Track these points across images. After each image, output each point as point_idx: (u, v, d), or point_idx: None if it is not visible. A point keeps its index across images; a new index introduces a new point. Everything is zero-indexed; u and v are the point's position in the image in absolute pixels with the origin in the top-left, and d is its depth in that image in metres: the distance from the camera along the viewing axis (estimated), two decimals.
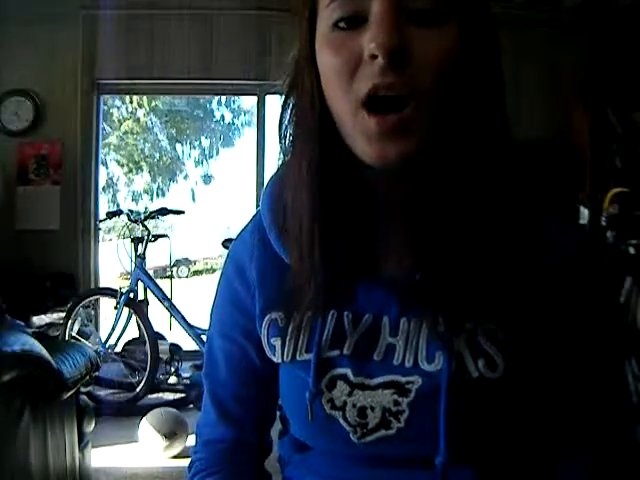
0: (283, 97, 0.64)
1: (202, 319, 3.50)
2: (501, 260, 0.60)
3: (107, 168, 10.99)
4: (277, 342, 0.67)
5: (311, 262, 0.61)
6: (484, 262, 0.59)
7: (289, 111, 0.64)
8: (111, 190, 11.18)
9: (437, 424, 0.59)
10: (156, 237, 3.71)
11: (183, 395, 3.48)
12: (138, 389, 3.36)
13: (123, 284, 3.68)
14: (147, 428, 2.72)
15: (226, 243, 3.34)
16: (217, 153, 11.59)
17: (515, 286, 0.60)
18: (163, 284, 3.64)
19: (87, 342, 3.44)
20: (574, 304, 0.62)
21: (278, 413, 0.78)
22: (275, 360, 0.68)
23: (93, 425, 2.27)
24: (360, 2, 0.54)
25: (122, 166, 11.22)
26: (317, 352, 0.64)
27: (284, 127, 0.64)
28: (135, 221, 3.65)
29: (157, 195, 11.29)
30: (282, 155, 0.66)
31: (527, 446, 0.65)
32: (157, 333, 3.60)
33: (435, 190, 0.58)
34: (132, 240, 3.64)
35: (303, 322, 0.65)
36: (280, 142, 0.65)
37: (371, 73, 0.53)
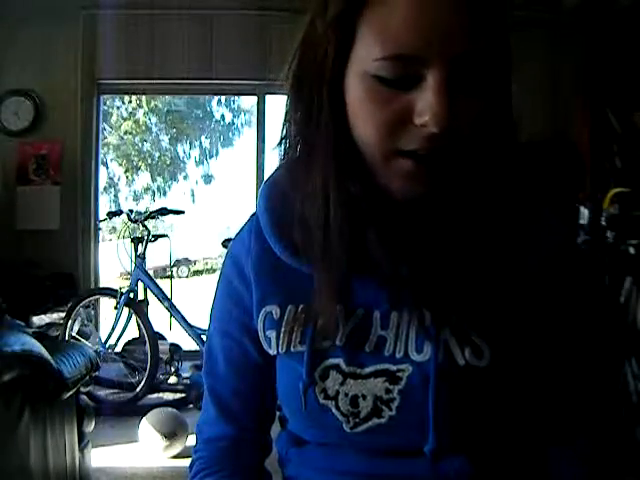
0: (287, 104, 0.65)
1: (202, 319, 3.50)
2: (486, 258, 0.62)
3: (107, 168, 11.01)
4: (272, 334, 0.68)
5: (335, 266, 0.63)
6: (470, 259, 0.61)
7: (296, 119, 0.64)
8: (113, 190, 11.20)
9: (426, 412, 0.61)
10: (156, 237, 3.71)
11: (183, 395, 3.48)
12: (138, 389, 3.36)
13: (123, 284, 3.68)
14: (147, 428, 2.72)
15: (226, 243, 3.34)
16: (217, 153, 11.61)
17: (499, 282, 0.62)
18: (163, 284, 3.64)
19: (87, 342, 3.44)
20: (558, 299, 0.64)
21: (278, 414, 0.78)
22: (271, 352, 0.70)
23: (93, 425, 2.28)
24: (415, 67, 0.54)
25: (121, 166, 11.23)
26: (310, 343, 0.65)
27: (290, 133, 0.65)
28: (135, 221, 3.66)
29: (158, 195, 11.31)
30: (283, 158, 0.67)
31: (519, 436, 0.66)
32: (157, 333, 3.60)
33: (445, 199, 0.61)
34: (132, 240, 3.64)
35: (297, 315, 0.67)
36: (284, 146, 0.66)
37: (418, 137, 0.55)
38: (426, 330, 0.62)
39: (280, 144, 0.67)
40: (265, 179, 0.74)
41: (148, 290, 3.62)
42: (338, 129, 0.60)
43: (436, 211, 0.61)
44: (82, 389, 2.16)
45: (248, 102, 11.02)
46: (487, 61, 0.55)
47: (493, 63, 0.56)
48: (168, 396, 3.52)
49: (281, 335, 0.67)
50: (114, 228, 8.18)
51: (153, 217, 3.72)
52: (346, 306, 0.65)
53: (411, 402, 0.62)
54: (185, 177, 11.60)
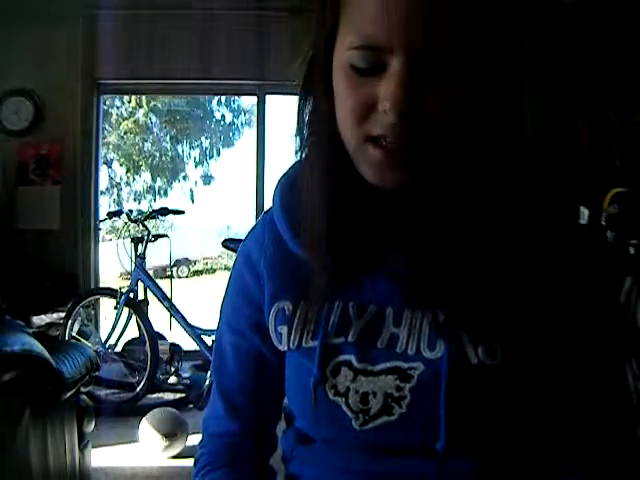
0: (299, 98, 0.66)
1: (202, 319, 3.50)
2: (500, 257, 0.62)
3: (110, 168, 11.03)
4: (284, 330, 0.69)
5: (321, 254, 0.64)
6: (482, 258, 0.61)
7: (304, 115, 0.66)
8: (115, 190, 11.22)
9: (438, 410, 0.61)
10: (156, 237, 3.71)
11: (183, 395, 3.48)
12: (138, 389, 3.36)
13: (123, 284, 3.69)
14: (147, 428, 2.72)
15: (226, 243, 3.34)
16: (217, 153, 11.61)
17: (513, 281, 0.62)
18: (163, 284, 3.64)
19: (87, 342, 3.44)
20: (573, 302, 0.64)
21: (283, 413, 0.78)
22: (281, 348, 0.70)
23: (93, 425, 2.27)
24: (381, 56, 0.55)
25: (122, 165, 11.25)
26: (322, 339, 0.66)
27: (300, 129, 0.67)
28: (135, 221, 3.66)
29: (159, 195, 11.31)
30: (297, 154, 0.68)
31: (527, 440, 0.65)
32: (157, 333, 3.60)
33: (438, 193, 0.61)
34: (132, 240, 3.64)
35: (309, 311, 0.67)
36: (296, 143, 0.67)
37: (382, 124, 0.57)
38: (439, 328, 0.62)
39: (295, 140, 0.68)
40: (282, 174, 0.75)
41: (148, 290, 3.62)
42: (332, 121, 0.61)
43: (434, 207, 0.61)
44: (82, 389, 2.16)
45: (248, 102, 11.04)
46: (461, 55, 0.55)
47: (472, 57, 0.56)
48: (168, 396, 3.53)
49: (293, 331, 0.68)
50: (115, 228, 8.18)
51: (153, 217, 3.73)
52: (358, 303, 0.66)
53: (422, 400, 0.62)
54: (185, 177, 11.62)
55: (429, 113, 0.56)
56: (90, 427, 2.25)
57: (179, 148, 11.64)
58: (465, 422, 0.62)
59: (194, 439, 2.67)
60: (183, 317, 3.45)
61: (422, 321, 0.63)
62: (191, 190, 11.46)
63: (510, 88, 0.62)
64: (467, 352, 0.61)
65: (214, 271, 12.31)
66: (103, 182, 10.55)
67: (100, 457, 2.54)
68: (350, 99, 0.58)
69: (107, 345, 3.54)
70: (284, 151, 0.71)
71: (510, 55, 0.61)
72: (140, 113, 11.00)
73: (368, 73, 0.57)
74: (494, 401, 0.62)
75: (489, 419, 0.63)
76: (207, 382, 3.30)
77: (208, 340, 3.32)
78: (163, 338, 3.78)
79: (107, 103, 9.87)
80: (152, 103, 10.84)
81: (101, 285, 4.32)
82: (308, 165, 0.66)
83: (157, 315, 3.71)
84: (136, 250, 3.61)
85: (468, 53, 0.55)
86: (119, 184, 11.34)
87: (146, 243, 3.61)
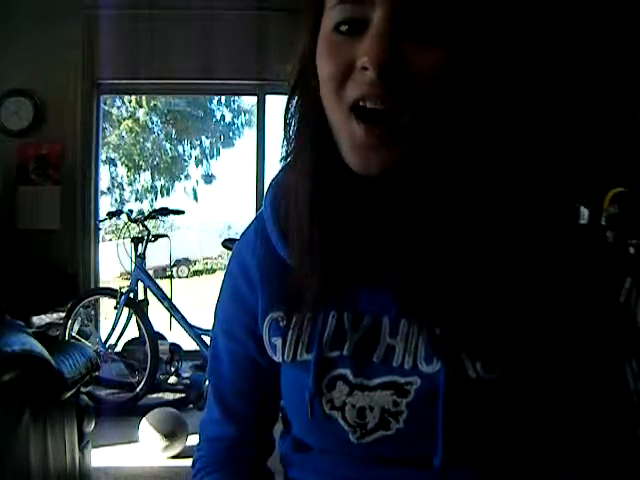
0: (287, 97, 0.64)
1: (202, 319, 3.50)
2: (497, 265, 0.59)
3: (115, 167, 11.03)
4: (278, 342, 0.67)
5: (310, 263, 0.62)
6: (479, 267, 0.59)
7: (293, 112, 0.64)
8: (117, 190, 11.23)
9: (435, 425, 0.59)
10: (156, 237, 3.71)
11: (183, 395, 3.48)
12: (138, 389, 3.36)
13: (123, 284, 3.69)
14: (147, 428, 2.72)
15: (226, 243, 3.34)
16: (217, 153, 11.62)
17: (512, 290, 0.60)
18: (163, 284, 3.64)
19: (87, 342, 3.44)
20: (573, 302, 0.62)
21: (280, 414, 0.78)
22: (276, 359, 0.68)
23: (93, 425, 2.27)
24: (363, 9, 0.53)
25: (123, 165, 11.26)
26: (317, 353, 0.64)
27: (288, 128, 0.64)
28: (135, 221, 3.66)
29: (160, 195, 11.32)
30: (285, 156, 0.66)
31: (528, 449, 0.64)
32: (157, 333, 3.60)
33: (429, 199, 0.58)
34: (132, 240, 3.64)
35: (304, 323, 0.65)
36: (283, 143, 0.65)
37: (361, 82, 0.54)
38: (435, 341, 0.60)
39: (283, 141, 0.65)
40: (272, 177, 0.73)
41: (148, 290, 3.62)
42: (316, 105, 0.59)
43: (425, 207, 0.58)
44: (82, 389, 2.16)
45: (248, 102, 11.04)
46: (449, 11, 0.52)
47: (462, 16, 0.53)
48: (168, 396, 3.53)
49: (287, 343, 0.66)
50: (115, 228, 8.19)
51: (153, 217, 3.73)
52: (353, 313, 0.64)
53: (419, 415, 0.60)
54: (186, 177, 11.62)
55: (413, 74, 0.52)
56: (90, 427, 2.25)
57: (180, 148, 11.64)
58: (463, 436, 0.61)
59: (194, 439, 2.66)
60: (183, 317, 3.45)
61: (418, 334, 0.61)
62: (194, 189, 11.46)
63: (504, 62, 0.58)
64: (465, 366, 0.59)
65: (214, 271, 12.30)
66: (104, 182, 10.58)
67: (100, 457, 2.54)
68: (330, 63, 0.56)
69: (107, 345, 3.54)
70: None
71: (505, 21, 0.58)
72: (140, 113, 11.00)
73: (350, 32, 0.54)
74: (493, 415, 0.61)
75: (488, 432, 0.61)
76: (207, 382, 3.30)
77: (208, 340, 3.31)
78: (163, 338, 3.78)
79: (107, 103, 9.87)
80: (152, 103, 10.84)
81: (101, 285, 4.32)
82: (295, 168, 0.64)
83: (157, 315, 3.70)
84: (136, 250, 3.61)
85: (458, 11, 0.52)
86: (120, 184, 11.35)
87: (146, 243, 3.60)
